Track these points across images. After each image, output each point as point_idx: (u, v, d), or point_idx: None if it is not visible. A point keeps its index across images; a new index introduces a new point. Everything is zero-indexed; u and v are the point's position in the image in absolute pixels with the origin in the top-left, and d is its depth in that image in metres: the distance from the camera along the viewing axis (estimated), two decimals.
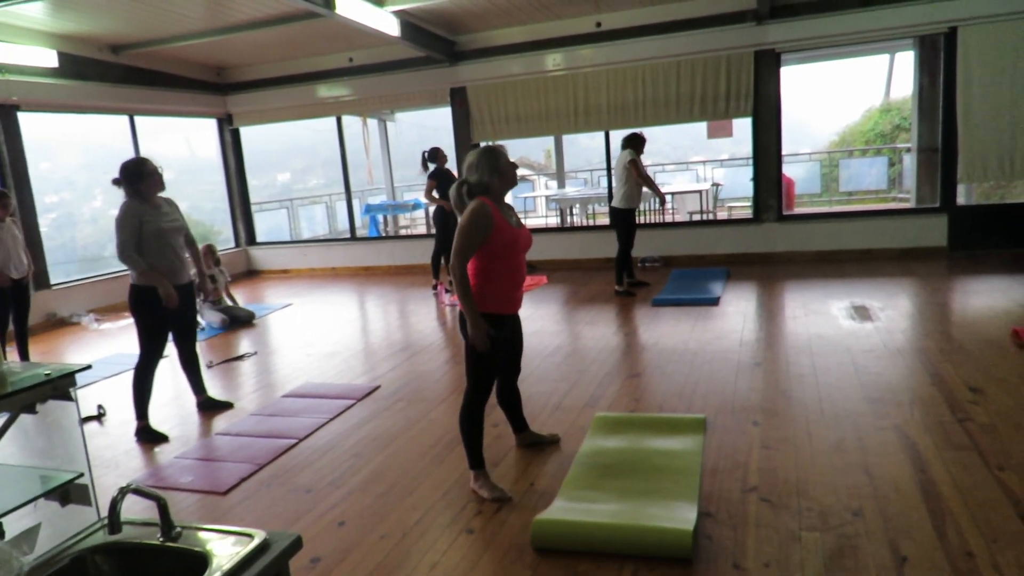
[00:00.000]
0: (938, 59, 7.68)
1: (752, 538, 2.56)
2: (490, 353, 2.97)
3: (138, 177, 3.94)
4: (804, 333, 5.14)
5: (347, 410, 4.31)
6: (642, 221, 10.17)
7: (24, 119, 7.53)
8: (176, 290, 4.04)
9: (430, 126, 11.85)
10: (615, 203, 6.97)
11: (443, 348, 5.51)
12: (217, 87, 9.93)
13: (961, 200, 7.98)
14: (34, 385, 1.96)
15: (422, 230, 12.28)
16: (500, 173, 2.96)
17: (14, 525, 1.90)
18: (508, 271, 2.97)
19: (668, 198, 10.71)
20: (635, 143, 6.81)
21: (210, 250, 7.15)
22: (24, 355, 5.88)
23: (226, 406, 4.57)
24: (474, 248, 2.88)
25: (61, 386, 2.04)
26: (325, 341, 6.14)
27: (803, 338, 5.02)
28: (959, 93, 7.24)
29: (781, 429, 3.49)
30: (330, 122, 9.92)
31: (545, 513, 2.76)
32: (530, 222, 13.00)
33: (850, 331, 5.09)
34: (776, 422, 3.58)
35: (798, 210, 10.45)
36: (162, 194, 4.11)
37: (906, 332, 5.00)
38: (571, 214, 11.13)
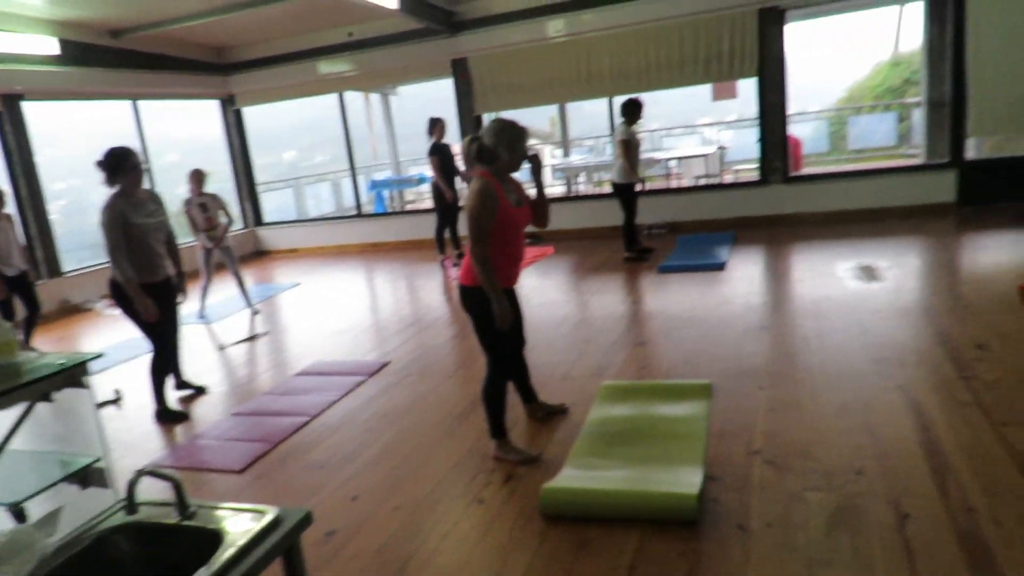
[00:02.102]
0: (947, 8, 7.51)
1: (756, 499, 2.61)
2: (501, 327, 3.02)
3: (118, 170, 3.83)
4: (810, 296, 5.15)
5: (358, 387, 4.38)
6: (649, 188, 10.13)
7: (29, 108, 7.56)
8: (154, 287, 3.98)
9: (433, 98, 11.76)
10: (613, 177, 6.97)
11: (451, 323, 5.57)
12: (218, 68, 9.90)
13: (971, 154, 7.88)
14: (49, 375, 2.01)
15: (428, 204, 12.28)
16: (514, 152, 2.96)
17: (37, 509, 1.98)
18: (505, 248, 2.99)
19: (674, 163, 10.66)
20: (631, 111, 6.74)
21: (198, 176, 6.48)
22: (25, 343, 5.87)
23: (200, 391, 4.61)
24: (487, 229, 2.89)
25: (75, 374, 2.10)
26: (335, 319, 6.21)
27: (809, 300, 5.03)
28: (969, 44, 7.09)
29: (786, 392, 3.52)
30: (335, 98, 9.89)
31: (553, 481, 2.82)
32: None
33: (857, 292, 5.09)
34: (781, 385, 3.61)
35: (805, 171, 10.33)
36: (154, 186, 4.05)
37: (913, 291, 4.99)
38: (576, 182, 11.09)
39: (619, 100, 6.87)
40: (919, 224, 7.17)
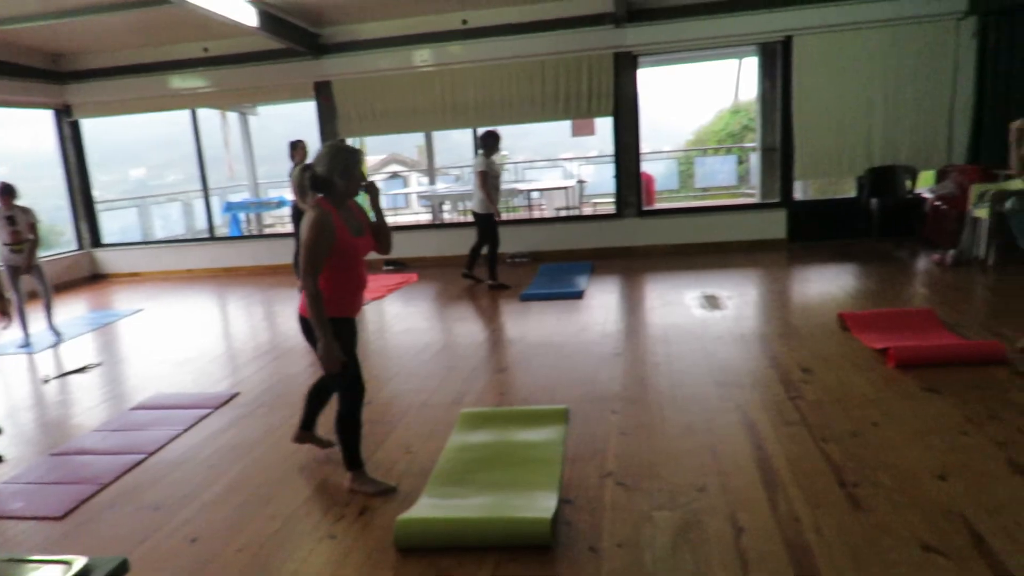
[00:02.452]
0: (776, 65, 8.30)
1: (608, 520, 2.68)
2: (348, 354, 2.93)
3: None
4: (661, 323, 5.42)
5: (202, 420, 4.09)
6: (510, 218, 10.32)
7: None
8: None
9: (295, 120, 11.44)
10: (473, 207, 7.07)
11: (308, 350, 5.33)
12: (54, 75, 9.10)
13: (799, 195, 8.70)
14: None
15: (288, 228, 11.84)
16: (350, 178, 2.87)
17: None
18: (346, 278, 2.92)
19: (536, 195, 10.95)
20: (488, 143, 6.88)
21: (7, 189, 5.94)
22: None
23: None
24: (321, 261, 2.79)
25: None
26: (180, 348, 5.80)
27: (660, 328, 5.29)
28: (794, 97, 7.87)
29: (637, 415, 3.66)
30: (189, 115, 9.35)
31: (408, 512, 2.75)
32: (401, 219, 12.87)
33: (702, 320, 5.42)
34: (633, 409, 3.76)
35: (657, 205, 10.97)
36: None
37: (750, 319, 5.38)
38: (442, 210, 11.12)
39: (483, 131, 6.99)
40: (756, 258, 7.78)
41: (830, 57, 7.71)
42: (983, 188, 6.47)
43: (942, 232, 7.28)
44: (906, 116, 7.68)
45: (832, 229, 8.24)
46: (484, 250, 7.17)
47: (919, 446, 3.09)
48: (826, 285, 6.35)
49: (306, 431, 3.49)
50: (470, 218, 8.95)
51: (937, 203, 7.39)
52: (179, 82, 8.98)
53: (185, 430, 3.94)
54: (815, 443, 3.19)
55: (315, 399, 3.45)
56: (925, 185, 8.01)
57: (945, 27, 7.46)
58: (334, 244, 2.81)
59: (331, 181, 2.86)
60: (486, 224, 7.01)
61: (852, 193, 8.26)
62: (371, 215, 3.12)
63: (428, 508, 2.79)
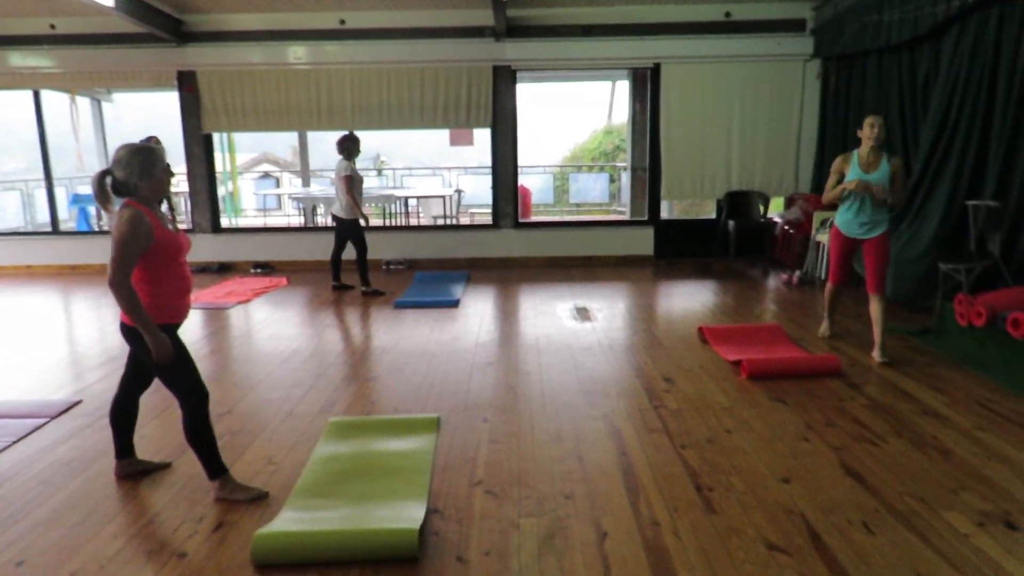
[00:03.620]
0: (646, 90, 8.72)
1: (476, 530, 2.67)
2: (182, 357, 2.79)
3: None
4: (533, 333, 5.52)
5: (36, 430, 3.71)
6: (386, 224, 10.18)
7: None
8: None
9: (157, 111, 10.72)
10: (336, 211, 6.91)
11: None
12: None
13: (665, 215, 9.17)
14: None
15: None
16: (153, 179, 2.71)
17: None
18: (175, 278, 2.78)
19: (412, 202, 10.86)
20: (348, 147, 6.75)
21: None
22: None
23: None
24: (135, 260, 2.63)
25: None
26: (12, 352, 5.24)
27: (532, 338, 5.38)
28: (662, 121, 8.30)
29: (508, 424, 3.70)
30: (31, 96, 8.52)
31: (267, 526, 2.62)
32: (273, 221, 12.37)
33: (572, 330, 5.57)
34: (504, 417, 3.79)
35: (534, 218, 11.20)
36: None
37: (618, 331, 5.59)
38: (316, 214, 10.79)
39: (341, 135, 6.84)
40: (625, 272, 8.11)
41: (695, 86, 8.20)
42: (823, 216, 7.10)
43: (790, 254, 7.90)
44: (760, 146, 8.30)
45: (694, 248, 8.74)
46: (339, 255, 7.09)
47: (767, 451, 3.32)
48: (688, 300, 6.72)
49: (126, 459, 3.16)
50: None
51: (786, 227, 8.02)
52: (19, 60, 8.17)
53: (13, 442, 3.56)
54: (675, 449, 3.35)
55: (121, 420, 3.11)
56: (776, 210, 8.68)
57: (794, 68, 8.15)
58: (153, 243, 2.66)
59: (133, 185, 2.70)
60: (351, 230, 6.87)
61: (713, 215, 8.81)
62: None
63: (289, 521, 2.67)
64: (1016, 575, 2.35)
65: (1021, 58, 5.03)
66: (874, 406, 3.87)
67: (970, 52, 5.47)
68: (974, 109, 5.47)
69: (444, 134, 15.52)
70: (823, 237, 7.00)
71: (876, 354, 4.66)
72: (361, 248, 6.95)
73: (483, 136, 9.36)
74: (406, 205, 10.70)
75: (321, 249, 8.49)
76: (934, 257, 5.51)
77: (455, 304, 6.50)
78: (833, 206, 6.65)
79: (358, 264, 6.99)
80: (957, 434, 3.48)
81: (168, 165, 2.89)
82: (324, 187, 12.28)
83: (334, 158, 6.99)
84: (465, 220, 10.90)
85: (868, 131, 4.56)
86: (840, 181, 4.70)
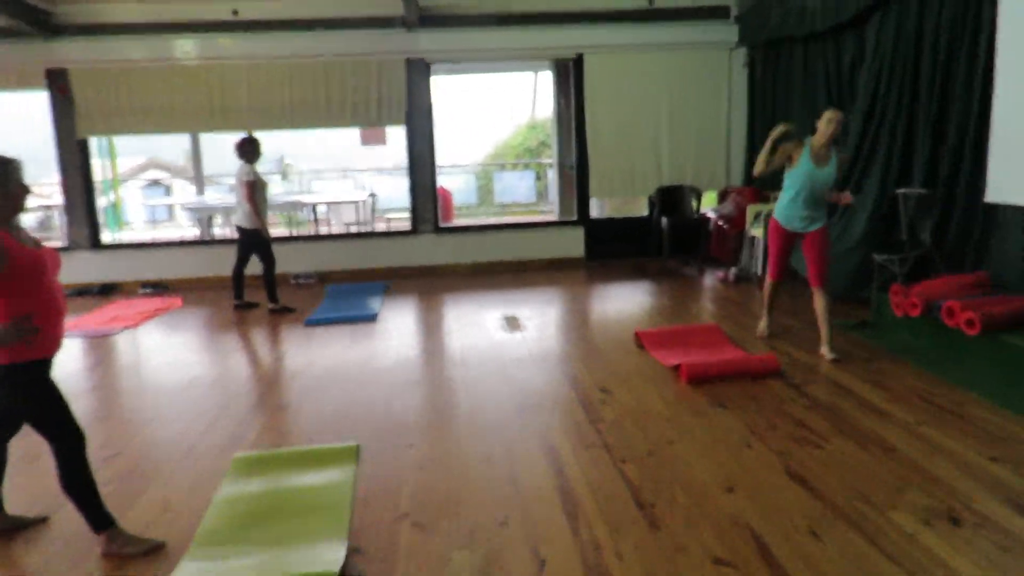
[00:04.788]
0: (570, 82, 8.84)
1: (402, 567, 2.62)
2: (51, 395, 2.65)
3: None
4: (459, 347, 5.48)
5: None
6: (293, 233, 9.99)
7: None
8: None
9: (22, 115, 10.17)
10: (238, 221, 6.72)
11: None
12: None
13: (595, 213, 9.30)
14: None
15: None
16: (7, 193, 2.55)
17: None
18: (42, 304, 2.61)
19: (322, 208, 10.66)
20: (247, 151, 6.58)
21: None
22: None
23: None
24: None
25: None
26: None
27: (458, 352, 5.35)
28: (587, 115, 8.43)
29: (435, 448, 3.65)
30: None
31: None
32: (164, 234, 11.91)
33: (502, 342, 5.56)
34: (430, 441, 3.74)
35: (456, 222, 11.18)
36: None
37: (550, 340, 5.62)
38: (213, 225, 10.44)
39: (239, 138, 6.65)
40: (555, 276, 8.17)
41: (620, 77, 8.36)
42: (757, 209, 7.35)
43: (725, 250, 8.14)
44: (690, 139, 8.52)
45: (627, 247, 8.89)
46: (242, 270, 6.92)
47: (709, 461, 3.39)
48: (622, 303, 6.82)
49: None
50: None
51: (720, 223, 8.27)
52: None
53: None
54: (614, 465, 3.38)
55: None
56: (709, 205, 8.94)
57: (719, 57, 8.41)
58: (8, 265, 2.49)
59: None
60: (255, 241, 6.69)
61: (645, 212, 8.99)
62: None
63: (192, 573, 2.55)
64: (962, 571, 2.47)
65: (942, 46, 5.34)
66: (815, 406, 4.01)
67: (893, 40, 5.78)
68: (900, 97, 5.77)
69: (355, 133, 15.34)
70: (758, 231, 7.24)
71: (824, 351, 4.84)
72: (268, 261, 6.77)
73: (397, 134, 9.28)
74: (315, 212, 10.49)
75: (220, 264, 8.20)
76: (868, 248, 5.78)
77: (372, 319, 6.40)
78: (767, 197, 6.85)
79: (264, 279, 6.80)
80: (899, 430, 3.65)
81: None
82: (222, 194, 11.91)
83: (233, 162, 6.78)
84: (381, 226, 10.76)
85: (825, 127, 4.67)
86: (785, 166, 4.81)
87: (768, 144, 4.74)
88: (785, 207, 4.92)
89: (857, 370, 4.58)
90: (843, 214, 6.21)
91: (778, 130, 4.74)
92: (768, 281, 5.30)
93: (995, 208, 4.98)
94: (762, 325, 5.47)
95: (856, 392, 4.20)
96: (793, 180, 4.81)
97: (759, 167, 4.79)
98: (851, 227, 6.05)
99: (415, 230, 8.57)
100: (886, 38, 5.86)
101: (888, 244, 5.69)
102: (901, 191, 5.53)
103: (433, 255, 8.56)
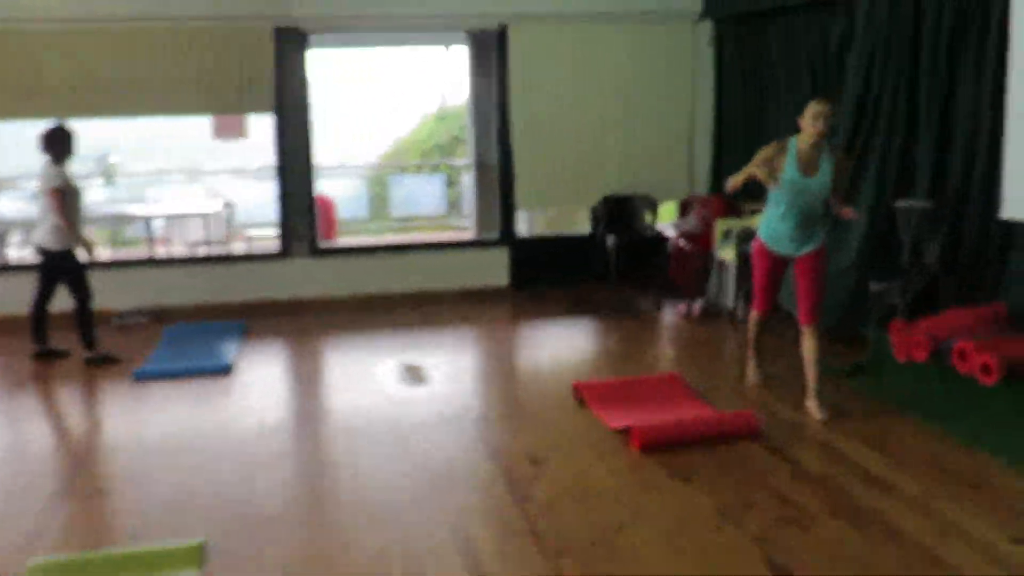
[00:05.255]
0: (491, 59, 8.94)
1: None
2: None
3: None
4: (344, 407, 5.45)
5: None
6: (120, 257, 9.73)
7: None
8: None
9: None
10: (41, 240, 6.51)
11: None
12: None
13: (524, 230, 9.39)
14: None
15: None
16: None
17: None
18: None
19: (159, 223, 10.43)
20: (56, 146, 6.42)
21: None
22: None
23: None
24: None
25: None
26: None
27: (342, 414, 5.31)
28: (512, 104, 8.54)
29: (310, 545, 3.60)
30: None
31: None
32: None
33: (401, 400, 5.53)
34: (304, 535, 3.69)
35: (341, 241, 11.09)
36: None
37: (465, 395, 5.63)
38: (7, 244, 10.07)
39: (47, 128, 6.48)
40: (472, 312, 8.19)
41: (554, 55, 8.51)
42: (728, 225, 7.56)
43: (688, 277, 8.33)
44: (644, 135, 8.72)
45: (565, 273, 8.98)
46: (44, 305, 6.71)
47: (669, 551, 3.43)
48: (558, 346, 6.89)
49: None
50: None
51: (681, 242, 8.47)
52: None
53: None
54: (548, 560, 3.39)
55: None
56: (667, 220, 9.16)
57: (680, 32, 8.69)
58: None
59: None
60: (64, 267, 6.50)
61: (587, 228, 9.13)
62: None
63: None
64: None
65: (945, 24, 5.64)
66: (802, 476, 4.12)
67: (887, 15, 6.08)
68: (896, 87, 6.07)
69: (205, 123, 15.08)
70: (728, 253, 7.45)
71: (812, 406, 4.97)
72: (82, 294, 6.57)
73: (262, 126, 9.18)
74: (149, 227, 10.24)
75: (14, 298, 7.90)
76: (862, 273, 6.01)
77: (225, 371, 6.28)
78: (740, 211, 7.05)
79: (77, 318, 6.58)
80: (904, 505, 3.77)
81: None
82: (20, 203, 11.52)
83: (36, 161, 6.59)
84: (239, 247, 10.57)
85: (812, 124, 4.76)
86: (769, 176, 4.85)
87: (748, 169, 4.88)
88: (771, 225, 5.08)
89: (853, 429, 4.73)
90: (834, 230, 6.42)
91: (764, 153, 4.88)
92: (753, 314, 5.45)
93: (1014, 225, 5.25)
94: (750, 371, 5.60)
95: (852, 457, 4.34)
96: (778, 192, 4.93)
97: (733, 183, 4.94)
98: (843, 247, 6.28)
99: (285, 252, 8.45)
100: (879, 12, 6.15)
101: (887, 269, 5.93)
102: (901, 204, 5.78)
103: (309, 285, 8.45)
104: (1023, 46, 4.96)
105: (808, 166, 4.84)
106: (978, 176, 5.49)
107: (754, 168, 4.88)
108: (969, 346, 4.69)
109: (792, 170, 4.84)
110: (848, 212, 4.92)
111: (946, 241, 5.71)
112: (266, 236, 10.69)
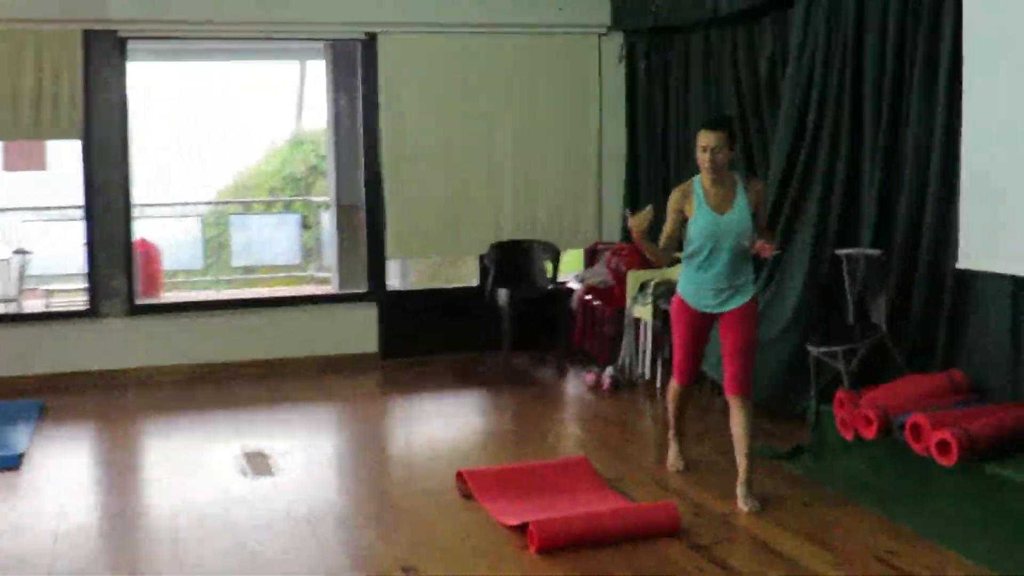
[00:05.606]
0: (356, 77, 8.95)
1: None
2: None
3: None
4: (168, 505, 5.29)
5: None
6: None
7: None
8: None
9: None
10: None
11: None
12: None
13: (395, 282, 9.34)
14: None
15: None
16: None
17: None
18: None
19: None
20: None
21: None
22: None
23: None
24: None
25: None
26: None
27: (166, 514, 5.16)
28: (382, 129, 8.54)
29: None
30: None
31: None
32: None
33: (240, 496, 5.40)
34: None
35: (167, 296, 10.86)
36: None
37: (322, 489, 5.54)
38: None
39: None
40: (333, 385, 8.10)
41: (434, 71, 8.57)
42: (644, 277, 7.65)
43: (596, 340, 8.40)
44: (544, 168, 8.84)
45: (446, 335, 8.95)
46: None
47: None
48: (440, 427, 6.84)
49: None
50: None
51: (588, 298, 8.54)
52: None
53: None
54: None
55: None
56: (571, 270, 9.23)
57: (586, 46, 8.90)
58: None
59: None
60: None
61: (474, 281, 9.14)
62: None
63: None
64: None
65: (891, 37, 5.87)
66: None
67: (826, 30, 6.31)
68: (838, 113, 6.28)
69: None
70: (644, 311, 7.54)
71: (740, 495, 5.00)
72: None
73: (67, 154, 8.96)
74: None
75: None
76: (800, 334, 6.14)
77: (13, 464, 6.04)
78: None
79: None
80: None
81: None
82: None
83: None
84: (35, 304, 10.29)
85: (700, 156, 4.90)
86: (682, 225, 5.00)
87: (669, 230, 5.03)
88: (691, 277, 5.13)
89: (791, 521, 4.80)
90: (766, 285, 6.55)
91: (671, 203, 5.03)
92: (673, 385, 5.49)
93: (971, 277, 5.44)
94: (671, 455, 5.60)
95: (789, 555, 4.39)
96: (692, 239, 5.02)
97: (651, 252, 5.07)
98: (777, 303, 6.41)
99: (95, 311, 8.24)
100: (816, 26, 6.39)
101: (828, 330, 6.08)
102: (844, 251, 5.95)
103: (126, 352, 8.24)
104: (978, 63, 5.12)
105: (721, 203, 4.94)
106: (930, 220, 5.62)
107: (674, 227, 5.00)
108: (924, 421, 4.81)
109: (704, 211, 4.94)
110: (764, 247, 4.91)
111: (895, 295, 5.87)
112: (70, 290, 10.40)
